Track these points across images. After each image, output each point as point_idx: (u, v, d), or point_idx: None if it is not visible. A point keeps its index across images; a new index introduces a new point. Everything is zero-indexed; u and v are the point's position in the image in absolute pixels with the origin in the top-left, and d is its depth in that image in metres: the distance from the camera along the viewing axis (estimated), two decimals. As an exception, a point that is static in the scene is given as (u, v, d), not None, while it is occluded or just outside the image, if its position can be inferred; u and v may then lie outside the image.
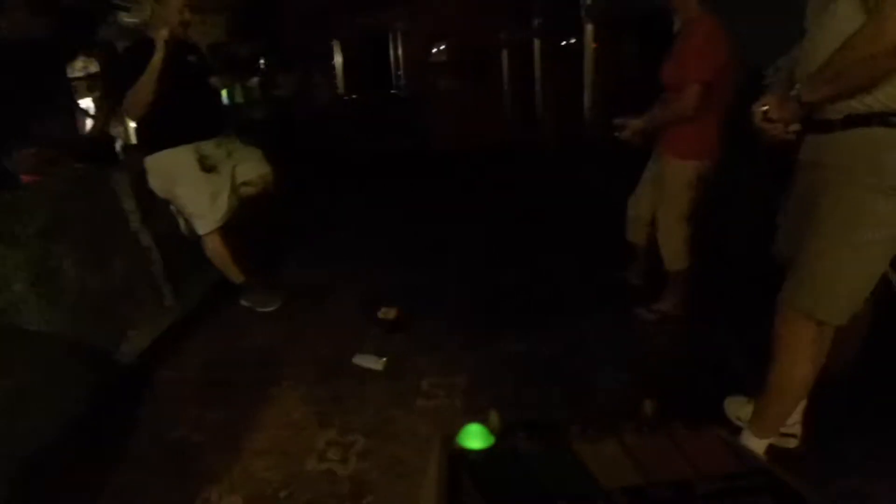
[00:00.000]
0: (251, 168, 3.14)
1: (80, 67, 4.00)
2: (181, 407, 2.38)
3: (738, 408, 1.98)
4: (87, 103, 4.03)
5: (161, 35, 2.60)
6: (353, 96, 8.61)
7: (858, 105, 1.39)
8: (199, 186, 2.89)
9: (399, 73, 8.63)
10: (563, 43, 6.33)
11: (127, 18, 3.51)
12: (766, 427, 1.73)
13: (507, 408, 2.17)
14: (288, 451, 2.08)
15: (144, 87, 2.63)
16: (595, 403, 2.22)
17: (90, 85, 4.08)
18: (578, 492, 0.61)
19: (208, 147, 2.98)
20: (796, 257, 1.57)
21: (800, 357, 1.60)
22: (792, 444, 1.84)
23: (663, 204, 2.65)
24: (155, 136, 2.86)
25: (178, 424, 2.26)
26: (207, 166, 2.93)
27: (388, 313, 2.88)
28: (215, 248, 3.06)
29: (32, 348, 2.04)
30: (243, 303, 3.23)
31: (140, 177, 2.90)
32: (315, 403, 2.35)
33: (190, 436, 2.20)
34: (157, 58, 2.61)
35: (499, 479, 0.64)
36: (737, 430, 1.83)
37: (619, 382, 2.33)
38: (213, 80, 2.99)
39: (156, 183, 2.92)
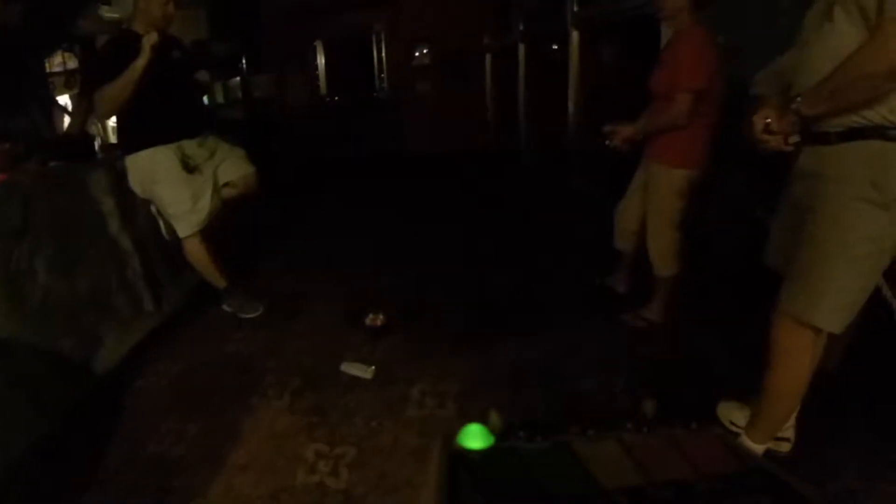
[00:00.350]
0: (234, 168, 3.06)
1: (59, 63, 3.86)
2: (159, 418, 2.28)
3: (731, 412, 1.99)
4: (65, 100, 3.89)
5: (150, 39, 2.51)
6: (336, 98, 8.53)
7: (857, 118, 1.40)
8: (180, 187, 2.80)
9: (382, 75, 8.58)
10: (548, 49, 6.33)
11: (108, 13, 3.39)
12: (763, 433, 1.75)
13: (501, 413, 2.16)
14: (275, 463, 2.00)
15: (121, 90, 2.53)
16: (589, 410, 2.19)
17: (68, 81, 3.94)
18: (578, 492, 0.61)
19: (190, 147, 2.89)
20: (791, 265, 1.59)
21: (795, 362, 1.63)
22: (785, 447, 1.85)
23: (652, 211, 2.67)
24: (135, 135, 2.76)
25: (157, 437, 2.17)
26: (190, 167, 2.84)
27: (375, 319, 2.81)
28: (196, 251, 2.96)
29: (0, 356, 1.92)
30: (225, 308, 3.13)
31: (120, 177, 2.79)
32: (301, 413, 2.27)
33: (170, 450, 2.10)
34: (141, 63, 2.51)
35: (499, 479, 0.64)
36: (731, 435, 1.82)
37: (612, 387, 2.31)
38: (201, 75, 2.90)
39: (136, 182, 2.82)
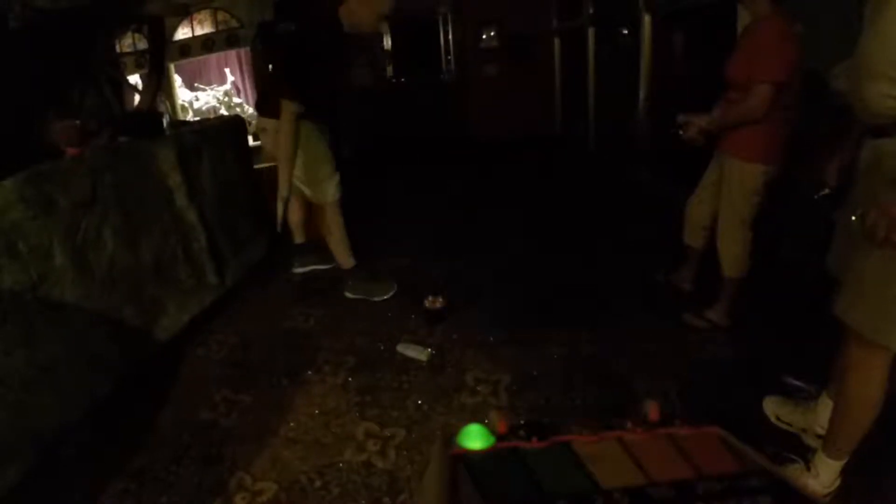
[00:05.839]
0: None
1: (129, 44, 4.01)
2: (214, 387, 2.32)
3: (777, 407, 1.92)
4: (135, 79, 4.05)
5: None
6: (401, 79, 8.51)
7: None
8: (327, 155, 2.90)
9: (449, 57, 8.48)
10: (619, 33, 6.03)
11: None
12: (840, 448, 1.61)
13: (552, 413, 2.07)
14: (324, 439, 1.99)
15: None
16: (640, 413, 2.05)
17: (139, 60, 4.09)
18: (578, 492, 0.60)
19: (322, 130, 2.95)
20: (853, 274, 1.43)
21: (868, 378, 1.48)
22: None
23: (726, 209, 2.48)
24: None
25: (210, 406, 2.21)
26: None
27: (435, 301, 2.75)
28: (337, 218, 3.04)
29: (64, 322, 1.98)
30: (348, 295, 3.07)
31: (186, 152, 2.84)
32: (354, 392, 2.25)
33: (221, 419, 2.14)
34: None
35: (499, 479, 0.63)
36: (776, 430, 1.86)
37: (667, 391, 2.15)
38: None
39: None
